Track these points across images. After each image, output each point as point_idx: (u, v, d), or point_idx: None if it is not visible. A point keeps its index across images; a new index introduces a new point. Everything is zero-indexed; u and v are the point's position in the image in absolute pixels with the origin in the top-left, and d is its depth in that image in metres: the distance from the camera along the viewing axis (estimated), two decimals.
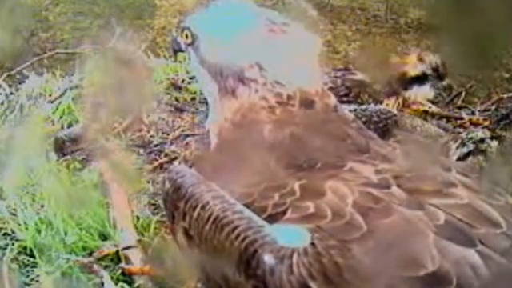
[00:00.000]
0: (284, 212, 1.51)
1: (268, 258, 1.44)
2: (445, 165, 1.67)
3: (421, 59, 3.14)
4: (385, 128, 1.99)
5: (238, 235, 1.48)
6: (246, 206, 1.54)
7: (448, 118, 3.65)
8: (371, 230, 1.43)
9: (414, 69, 3.13)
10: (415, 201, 1.50)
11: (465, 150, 2.68)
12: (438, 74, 3.14)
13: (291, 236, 1.46)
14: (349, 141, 1.68)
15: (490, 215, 1.50)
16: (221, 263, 1.53)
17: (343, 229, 1.44)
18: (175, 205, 1.63)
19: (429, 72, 3.11)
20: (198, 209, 1.56)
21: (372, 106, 2.28)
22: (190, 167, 1.79)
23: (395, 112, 2.14)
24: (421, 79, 3.12)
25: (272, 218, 1.50)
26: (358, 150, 1.66)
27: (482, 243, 1.43)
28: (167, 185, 1.67)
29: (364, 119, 1.98)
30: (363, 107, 2.10)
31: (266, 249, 1.45)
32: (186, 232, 1.61)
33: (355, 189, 1.52)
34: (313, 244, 1.42)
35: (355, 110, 2.00)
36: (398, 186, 1.54)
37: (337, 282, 1.39)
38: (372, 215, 1.46)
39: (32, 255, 2.64)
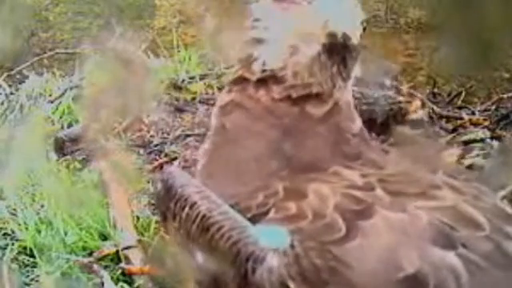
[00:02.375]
0: (267, 212, 1.52)
1: (250, 258, 1.46)
2: (432, 167, 1.67)
3: (423, 105, 3.30)
4: (389, 115, 1.98)
5: (223, 235, 1.50)
6: (233, 205, 1.56)
7: (448, 118, 3.66)
8: (351, 231, 1.43)
9: (415, 113, 3.27)
10: (398, 203, 1.50)
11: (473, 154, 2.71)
12: (433, 121, 3.30)
13: (273, 236, 1.47)
14: (340, 146, 1.68)
15: (474, 218, 1.48)
16: (208, 263, 1.55)
17: (323, 230, 1.45)
18: (167, 205, 1.66)
19: (426, 119, 3.27)
20: (186, 209, 1.58)
21: (379, 91, 2.26)
22: (190, 167, 1.81)
23: (401, 99, 2.13)
24: (416, 123, 3.26)
25: (255, 218, 1.52)
26: (349, 156, 1.66)
27: (463, 246, 1.42)
28: (159, 186, 1.70)
29: (370, 101, 1.97)
30: (370, 92, 2.07)
31: (249, 249, 1.47)
32: (176, 232, 1.63)
33: (338, 191, 1.53)
34: (292, 245, 1.43)
35: (361, 93, 1.98)
36: (382, 188, 1.54)
37: (315, 282, 1.40)
38: (353, 217, 1.46)
39: (32, 255, 2.64)
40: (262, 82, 1.69)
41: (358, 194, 1.52)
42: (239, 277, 1.47)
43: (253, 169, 1.64)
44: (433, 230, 1.43)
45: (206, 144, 1.80)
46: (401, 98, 2.12)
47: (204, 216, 1.54)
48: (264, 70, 1.68)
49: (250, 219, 1.52)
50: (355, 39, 1.73)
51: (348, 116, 1.71)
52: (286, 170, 1.62)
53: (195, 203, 1.57)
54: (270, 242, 1.46)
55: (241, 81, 1.72)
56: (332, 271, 1.39)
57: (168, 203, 1.65)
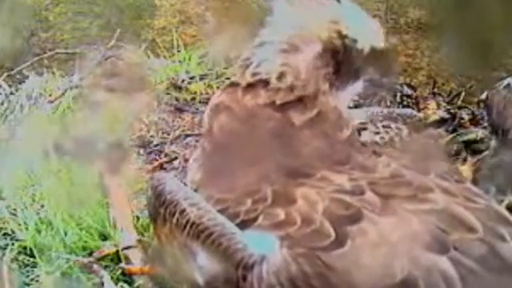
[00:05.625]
0: (255, 218, 1.52)
1: (239, 265, 1.46)
2: (423, 169, 1.65)
3: (438, 106, 3.39)
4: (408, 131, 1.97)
5: (213, 242, 1.50)
6: (221, 211, 1.56)
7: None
8: (340, 237, 1.43)
9: (433, 115, 3.38)
10: (388, 206, 1.49)
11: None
12: (454, 117, 3.48)
13: (262, 243, 1.48)
14: (327, 151, 1.67)
15: (467, 220, 1.48)
16: (198, 269, 1.54)
17: (312, 236, 1.45)
18: (157, 211, 1.67)
19: (446, 116, 3.35)
20: (176, 215, 1.59)
21: (400, 109, 2.28)
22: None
23: (421, 116, 2.13)
24: (438, 123, 3.35)
25: (244, 224, 1.53)
26: (337, 161, 1.65)
27: (456, 249, 1.41)
28: (149, 192, 1.71)
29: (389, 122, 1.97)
30: (389, 110, 2.08)
31: (238, 256, 1.47)
32: (167, 237, 1.63)
33: (326, 196, 1.52)
34: (281, 251, 1.43)
35: (381, 113, 1.98)
36: (372, 191, 1.53)
37: None
38: (342, 222, 1.45)
39: (32, 255, 2.64)
40: (251, 86, 1.68)
41: (346, 198, 1.51)
42: (230, 283, 1.47)
43: (240, 174, 1.64)
44: (424, 233, 1.43)
45: (197, 149, 1.81)
46: (420, 115, 2.15)
47: (194, 223, 1.55)
48: (255, 74, 1.68)
49: (238, 225, 1.52)
50: (364, 47, 1.70)
51: (335, 124, 1.69)
52: (274, 174, 1.61)
53: (184, 210, 1.58)
54: (259, 248, 1.47)
55: (233, 85, 1.72)
56: (321, 277, 1.39)
57: (158, 209, 1.65)
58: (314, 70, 1.66)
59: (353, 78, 1.73)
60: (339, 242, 1.42)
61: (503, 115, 2.49)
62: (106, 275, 2.51)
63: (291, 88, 1.65)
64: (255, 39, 1.72)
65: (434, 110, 3.51)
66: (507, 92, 2.51)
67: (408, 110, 2.19)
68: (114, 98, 3.07)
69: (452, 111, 3.55)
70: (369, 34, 1.70)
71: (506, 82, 2.56)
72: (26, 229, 2.73)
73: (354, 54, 1.68)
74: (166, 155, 3.36)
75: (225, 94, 1.73)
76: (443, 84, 3.93)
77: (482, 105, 3.08)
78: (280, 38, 1.68)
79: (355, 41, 1.67)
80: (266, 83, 1.67)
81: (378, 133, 1.88)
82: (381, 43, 1.71)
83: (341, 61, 1.68)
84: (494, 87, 2.60)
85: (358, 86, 1.76)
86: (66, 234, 2.68)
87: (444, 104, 3.62)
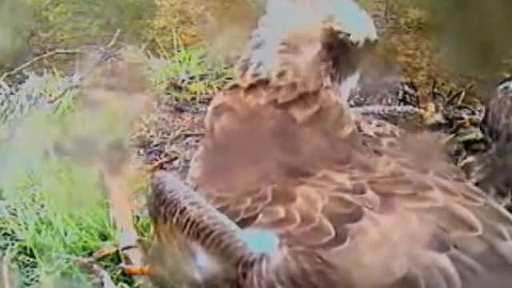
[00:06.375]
0: (255, 216, 1.53)
1: (239, 263, 1.47)
2: (422, 167, 1.66)
3: (437, 109, 3.39)
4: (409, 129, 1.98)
5: (213, 240, 1.51)
6: (221, 210, 1.57)
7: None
8: (340, 235, 1.43)
9: (430, 118, 3.39)
10: (388, 205, 1.50)
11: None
12: (451, 122, 3.46)
13: (261, 241, 1.48)
14: (328, 150, 1.67)
15: (466, 218, 1.48)
16: (198, 267, 1.55)
17: (311, 234, 1.45)
18: (157, 210, 1.67)
19: (443, 121, 3.35)
20: (176, 214, 1.59)
21: (400, 107, 2.29)
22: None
23: (421, 112, 2.14)
24: (434, 126, 3.36)
25: (244, 223, 1.53)
26: (337, 160, 1.65)
27: (455, 247, 1.42)
28: (150, 191, 1.71)
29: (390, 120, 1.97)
30: (390, 108, 2.09)
31: (238, 254, 1.47)
32: (167, 236, 1.63)
33: (326, 194, 1.53)
34: (281, 249, 1.44)
35: (383, 111, 1.99)
36: (373, 190, 1.54)
37: (304, 286, 1.41)
38: (342, 220, 1.46)
39: (32, 255, 2.64)
40: (253, 87, 1.69)
41: (346, 196, 1.52)
42: (231, 281, 1.48)
43: (241, 173, 1.64)
44: (424, 231, 1.43)
45: (199, 148, 1.82)
46: (421, 111, 2.15)
47: (194, 222, 1.55)
48: (255, 75, 1.68)
49: (238, 223, 1.53)
50: (358, 40, 1.71)
51: (336, 121, 1.70)
52: (274, 173, 1.61)
53: (185, 209, 1.58)
54: (259, 246, 1.47)
55: (235, 87, 1.73)
56: (320, 275, 1.39)
57: (158, 208, 1.66)
58: (313, 66, 1.67)
59: (350, 72, 1.74)
60: (339, 239, 1.43)
61: (496, 118, 2.50)
62: (106, 275, 2.51)
63: (293, 85, 1.66)
64: (252, 40, 1.73)
65: (432, 113, 3.52)
66: (503, 95, 2.52)
67: (409, 107, 2.20)
68: (113, 97, 3.08)
69: (450, 116, 3.56)
70: (362, 27, 1.72)
71: (503, 85, 2.57)
72: (26, 229, 2.73)
73: (348, 47, 1.69)
74: (166, 155, 3.37)
75: (227, 96, 1.74)
76: (443, 84, 3.93)
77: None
78: (277, 38, 1.69)
79: (348, 35, 1.68)
80: (266, 83, 1.67)
81: (379, 125, 1.89)
82: (374, 35, 1.72)
83: (338, 55, 1.69)
84: (493, 89, 2.61)
85: (354, 80, 1.77)
86: (66, 234, 2.68)
87: (442, 108, 3.63)
